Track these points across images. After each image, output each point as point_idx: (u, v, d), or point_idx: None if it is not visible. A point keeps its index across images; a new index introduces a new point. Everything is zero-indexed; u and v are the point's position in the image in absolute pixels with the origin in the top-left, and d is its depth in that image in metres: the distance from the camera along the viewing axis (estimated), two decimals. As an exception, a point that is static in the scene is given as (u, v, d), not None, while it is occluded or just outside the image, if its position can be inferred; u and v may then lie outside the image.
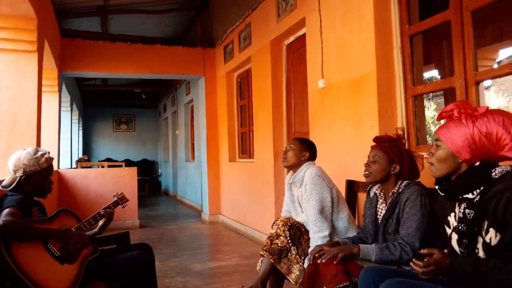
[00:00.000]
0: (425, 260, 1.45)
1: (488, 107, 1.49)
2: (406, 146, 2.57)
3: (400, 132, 2.12)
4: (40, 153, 2.22)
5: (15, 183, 2.15)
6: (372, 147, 2.11)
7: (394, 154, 2.01)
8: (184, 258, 4.37)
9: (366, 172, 2.07)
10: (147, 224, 6.72)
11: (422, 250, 1.41)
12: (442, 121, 1.64)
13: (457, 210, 1.54)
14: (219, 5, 6.61)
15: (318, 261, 1.91)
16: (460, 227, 1.49)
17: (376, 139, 2.13)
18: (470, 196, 1.45)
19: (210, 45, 6.90)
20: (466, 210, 1.47)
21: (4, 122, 3.60)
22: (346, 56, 3.19)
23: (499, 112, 1.46)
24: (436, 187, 1.58)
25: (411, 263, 1.42)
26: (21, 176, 2.14)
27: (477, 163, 1.47)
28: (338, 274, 1.84)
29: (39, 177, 2.19)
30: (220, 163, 6.85)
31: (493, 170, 1.44)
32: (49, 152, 2.30)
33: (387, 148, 2.03)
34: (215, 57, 6.88)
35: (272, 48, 4.68)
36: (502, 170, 1.41)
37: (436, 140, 1.57)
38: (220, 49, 6.58)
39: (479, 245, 1.43)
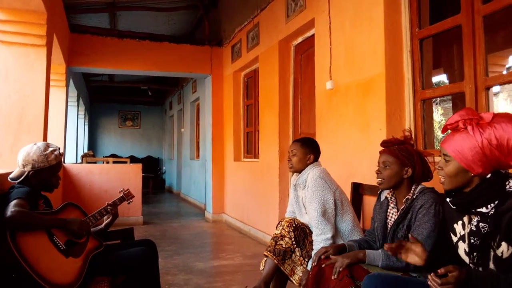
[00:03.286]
0: (443, 278, 1.35)
1: (494, 114, 1.43)
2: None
3: (407, 133, 2.07)
4: (50, 149, 2.22)
5: (23, 177, 2.16)
6: (381, 152, 2.06)
7: (405, 157, 1.96)
8: (186, 256, 4.37)
9: (379, 179, 2.02)
10: (151, 221, 6.73)
11: (439, 271, 1.34)
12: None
13: (466, 220, 1.51)
14: (228, 4, 6.61)
15: (333, 277, 1.87)
16: (472, 241, 1.46)
17: (383, 143, 2.08)
18: (484, 210, 1.41)
19: (218, 44, 6.90)
20: (480, 224, 1.43)
21: (11, 116, 3.62)
22: (355, 58, 3.18)
23: (506, 118, 1.40)
24: (448, 199, 1.53)
25: (429, 279, 1.36)
26: (29, 171, 2.15)
27: (489, 175, 1.43)
28: (343, 278, 1.83)
29: (47, 173, 2.19)
30: (225, 162, 6.85)
31: (507, 183, 1.40)
32: (59, 148, 2.29)
33: (396, 152, 1.98)
34: (223, 56, 6.88)
35: (280, 48, 4.67)
36: None
37: (444, 154, 1.51)
38: (228, 48, 6.58)
39: (491, 257, 1.40)
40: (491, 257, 1.40)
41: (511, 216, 1.32)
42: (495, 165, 1.41)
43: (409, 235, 1.59)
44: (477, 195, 1.43)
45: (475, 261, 1.45)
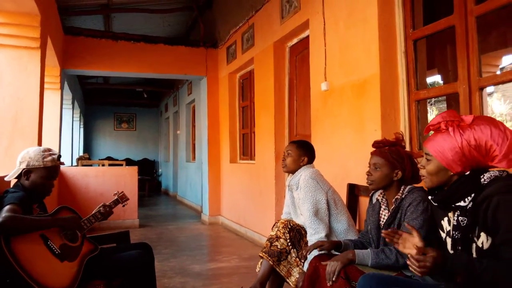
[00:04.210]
0: (420, 258, 1.44)
1: (474, 116, 1.49)
2: (408, 149, 2.57)
3: (398, 135, 2.09)
4: (48, 152, 2.22)
5: (16, 175, 2.16)
6: (372, 154, 2.09)
7: (395, 160, 1.99)
8: (183, 258, 4.36)
9: (369, 180, 2.06)
10: (147, 224, 6.71)
11: (417, 249, 1.43)
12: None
13: (450, 216, 1.57)
14: (223, 6, 6.61)
15: (329, 284, 1.88)
16: (454, 235, 1.52)
17: (375, 144, 2.11)
18: (462, 204, 1.48)
19: (213, 46, 6.90)
20: (460, 217, 1.50)
21: (6, 119, 3.59)
22: (350, 59, 3.19)
23: (486, 121, 1.47)
24: (429, 197, 1.60)
25: (407, 261, 1.44)
26: (23, 169, 2.15)
27: (467, 172, 1.49)
28: (338, 279, 1.84)
29: (40, 174, 2.16)
30: (221, 164, 6.84)
31: (481, 176, 1.46)
32: (60, 156, 2.27)
33: (387, 154, 2.01)
34: (218, 57, 6.88)
35: (275, 49, 4.68)
36: (491, 176, 1.44)
37: (426, 153, 1.58)
38: (223, 50, 6.58)
39: (473, 250, 1.45)
40: (473, 249, 1.45)
41: (486, 207, 1.39)
42: (473, 164, 1.48)
43: (405, 223, 1.63)
44: (454, 190, 1.50)
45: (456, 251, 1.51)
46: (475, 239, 1.44)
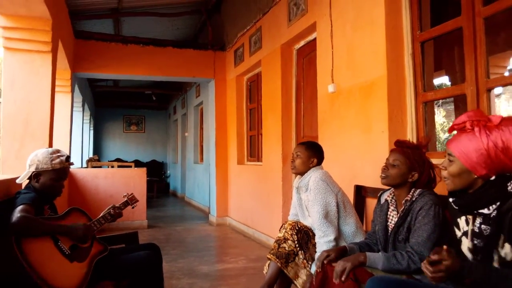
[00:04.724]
0: (435, 266, 1.38)
1: (502, 117, 1.41)
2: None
3: (423, 140, 2.06)
4: (57, 154, 2.23)
5: (26, 178, 2.19)
6: (393, 151, 2.05)
7: (415, 161, 1.96)
8: (191, 259, 4.38)
9: (383, 175, 2.02)
10: (155, 225, 6.76)
11: (432, 256, 1.36)
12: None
13: (470, 217, 1.51)
14: (231, 9, 6.65)
15: (336, 281, 1.86)
16: (476, 242, 1.45)
17: (397, 143, 2.07)
18: (486, 211, 1.41)
19: (220, 49, 6.94)
20: (482, 225, 1.43)
21: (17, 122, 3.65)
22: (357, 61, 3.19)
23: None
24: (450, 199, 1.52)
25: (422, 265, 1.38)
26: (33, 172, 2.17)
27: (493, 177, 1.41)
28: (347, 280, 1.83)
29: (49, 177, 2.18)
30: (228, 165, 6.87)
31: (508, 184, 1.39)
32: (68, 156, 2.29)
33: (410, 154, 1.97)
34: (226, 60, 6.92)
35: (282, 52, 4.69)
36: None
37: (449, 154, 1.49)
38: (231, 53, 6.61)
39: (495, 261, 1.39)
40: (495, 259, 1.39)
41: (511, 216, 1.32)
42: (499, 168, 1.39)
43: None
44: (479, 196, 1.42)
45: (479, 261, 1.45)
46: (499, 249, 1.37)
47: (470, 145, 1.41)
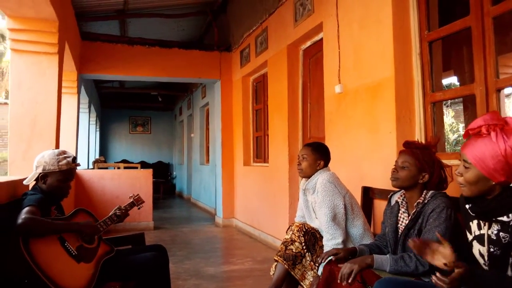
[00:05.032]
0: (449, 276, 1.34)
1: None
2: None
3: (432, 139, 2.03)
4: (63, 155, 2.24)
5: (33, 179, 2.20)
6: (402, 152, 2.02)
7: (425, 162, 1.93)
8: (197, 261, 4.38)
9: (393, 177, 2.00)
10: (161, 226, 6.76)
11: (444, 266, 1.33)
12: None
13: (481, 223, 1.48)
14: (236, 10, 6.65)
15: (343, 283, 1.85)
16: (492, 250, 1.42)
17: (406, 144, 2.04)
18: (505, 219, 1.37)
19: (226, 49, 6.94)
20: (501, 233, 1.39)
21: (24, 123, 3.67)
22: (364, 61, 3.17)
23: None
24: (467, 206, 1.49)
25: (434, 278, 1.33)
26: (40, 173, 2.18)
27: None
28: (354, 282, 1.82)
29: (56, 178, 2.19)
30: (234, 166, 6.86)
31: None
32: (75, 158, 2.30)
33: (419, 155, 1.94)
34: (232, 61, 6.91)
35: (288, 52, 4.68)
36: None
37: (464, 160, 1.43)
38: (237, 53, 6.61)
39: (509, 264, 1.37)
40: (510, 264, 1.36)
41: None
42: None
43: (436, 234, 1.52)
44: (498, 204, 1.38)
45: (493, 267, 1.42)
46: None
47: (486, 151, 1.35)
